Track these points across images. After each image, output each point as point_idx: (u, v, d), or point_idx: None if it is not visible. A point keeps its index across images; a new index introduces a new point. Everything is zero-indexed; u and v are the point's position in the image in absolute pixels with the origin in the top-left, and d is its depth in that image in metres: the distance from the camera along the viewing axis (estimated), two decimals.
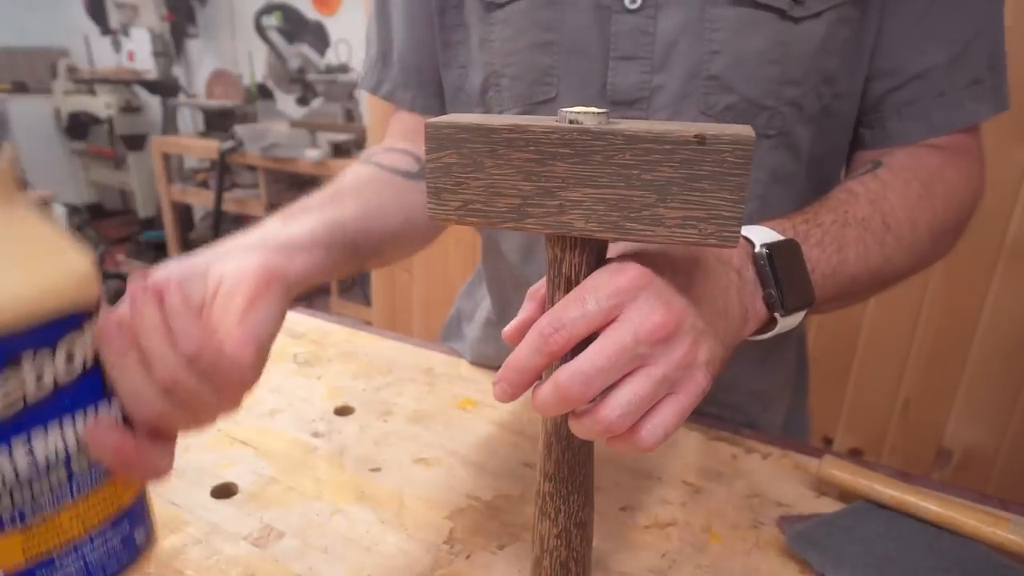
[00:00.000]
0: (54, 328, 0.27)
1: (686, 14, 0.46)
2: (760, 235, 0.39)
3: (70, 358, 0.28)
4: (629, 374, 0.28)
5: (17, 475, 0.27)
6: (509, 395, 0.30)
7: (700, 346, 0.30)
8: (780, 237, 0.39)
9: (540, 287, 0.34)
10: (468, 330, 0.74)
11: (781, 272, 0.37)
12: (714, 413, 0.61)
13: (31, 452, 0.27)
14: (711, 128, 0.27)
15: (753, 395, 0.63)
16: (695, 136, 0.26)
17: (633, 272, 0.29)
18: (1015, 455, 1.21)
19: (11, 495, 0.27)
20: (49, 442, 0.28)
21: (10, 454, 0.26)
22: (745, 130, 0.27)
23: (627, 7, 0.47)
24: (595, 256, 0.30)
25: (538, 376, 0.30)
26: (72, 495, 0.29)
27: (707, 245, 0.27)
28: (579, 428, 0.29)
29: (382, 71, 0.62)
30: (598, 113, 0.28)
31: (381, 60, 0.62)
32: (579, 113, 0.28)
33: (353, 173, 0.54)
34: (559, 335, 0.28)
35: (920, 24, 0.48)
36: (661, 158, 0.26)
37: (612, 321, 0.29)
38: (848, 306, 0.48)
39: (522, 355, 0.29)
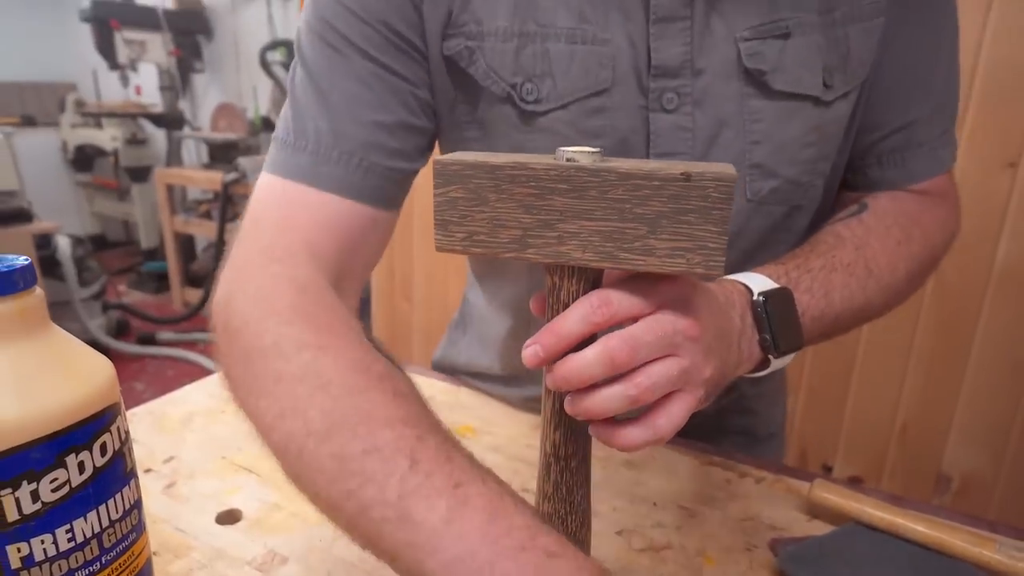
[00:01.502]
0: (91, 427, 0.33)
1: (726, 109, 0.48)
2: (757, 283, 0.42)
3: (103, 449, 0.33)
4: (660, 358, 0.31)
5: (58, 552, 0.32)
6: (540, 359, 0.31)
7: (710, 361, 0.34)
8: (775, 285, 0.42)
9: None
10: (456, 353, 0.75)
11: (775, 318, 0.41)
12: (725, 404, 0.63)
13: (71, 531, 0.32)
14: (696, 166, 0.29)
15: (756, 395, 0.66)
16: (681, 174, 0.28)
17: (672, 279, 0.33)
18: (1014, 480, 1.21)
19: (50, 570, 0.32)
20: (87, 522, 0.33)
21: (54, 537, 0.32)
22: (727, 168, 0.29)
23: (664, 107, 0.47)
24: (591, 284, 0.32)
25: (571, 346, 0.31)
26: (102, 564, 0.34)
27: (695, 274, 0.29)
28: (607, 398, 0.31)
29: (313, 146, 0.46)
30: (593, 152, 0.30)
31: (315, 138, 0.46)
32: (576, 152, 0.30)
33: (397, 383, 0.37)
34: (606, 309, 0.31)
35: (904, 81, 0.52)
36: (651, 193, 0.29)
37: (649, 314, 0.32)
38: (829, 339, 0.51)
39: (568, 321, 0.31)
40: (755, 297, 0.41)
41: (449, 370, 0.76)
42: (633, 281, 0.32)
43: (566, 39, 0.45)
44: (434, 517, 0.29)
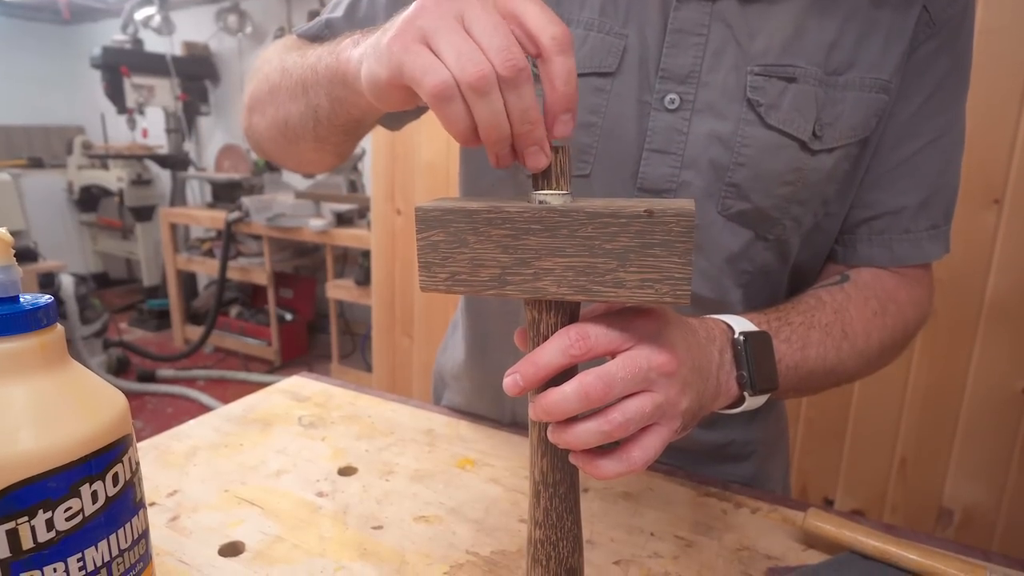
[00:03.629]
0: (105, 458, 0.34)
1: (722, 126, 0.51)
2: (740, 324, 0.44)
3: (116, 479, 0.35)
4: (635, 394, 0.33)
5: None
6: (520, 388, 0.33)
7: (685, 394, 0.35)
8: (756, 328, 0.45)
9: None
10: (452, 381, 0.77)
11: (753, 358, 0.43)
12: (728, 470, 0.64)
13: (82, 559, 0.33)
14: (659, 203, 0.31)
15: (750, 444, 0.66)
16: (645, 211, 0.30)
17: (649, 315, 0.34)
18: (1015, 512, 1.20)
19: None
20: (98, 551, 0.34)
21: (66, 565, 0.32)
22: (688, 203, 0.31)
23: (666, 107, 0.51)
24: (568, 317, 0.34)
25: (549, 377, 0.33)
26: None
27: (664, 303, 0.31)
28: (583, 432, 0.32)
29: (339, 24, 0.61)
30: (563, 194, 0.32)
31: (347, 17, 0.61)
32: (547, 194, 0.32)
33: None
34: (583, 343, 0.32)
35: (901, 170, 0.56)
36: (618, 230, 0.31)
37: (626, 350, 0.33)
38: (802, 396, 0.53)
39: (546, 352, 0.32)
40: (736, 336, 0.43)
41: (439, 380, 0.80)
42: (612, 316, 0.34)
43: (584, 27, 0.53)
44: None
